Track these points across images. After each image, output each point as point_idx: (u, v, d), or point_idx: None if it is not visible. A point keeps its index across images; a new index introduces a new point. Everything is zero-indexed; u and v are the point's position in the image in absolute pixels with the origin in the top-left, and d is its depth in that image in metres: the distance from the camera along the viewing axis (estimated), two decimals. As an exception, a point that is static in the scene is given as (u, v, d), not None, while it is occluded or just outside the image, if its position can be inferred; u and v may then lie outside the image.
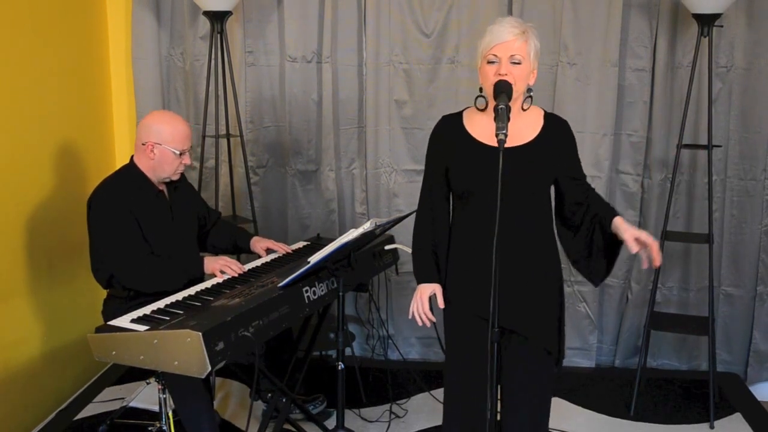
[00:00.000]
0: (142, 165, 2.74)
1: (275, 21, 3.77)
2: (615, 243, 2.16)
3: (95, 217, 2.67)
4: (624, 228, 2.08)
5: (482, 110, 2.24)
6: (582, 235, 2.24)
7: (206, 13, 3.47)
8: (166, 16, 3.82)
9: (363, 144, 3.84)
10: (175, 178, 2.79)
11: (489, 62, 2.13)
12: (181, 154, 2.72)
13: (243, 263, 2.91)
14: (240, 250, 3.11)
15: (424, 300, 2.28)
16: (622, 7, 3.51)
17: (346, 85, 3.79)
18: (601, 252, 2.21)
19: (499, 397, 2.25)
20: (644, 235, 2.03)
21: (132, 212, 2.65)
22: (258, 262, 2.92)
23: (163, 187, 2.82)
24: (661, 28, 3.54)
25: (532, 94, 2.21)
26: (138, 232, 2.66)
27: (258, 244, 3.06)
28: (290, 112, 3.81)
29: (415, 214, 2.43)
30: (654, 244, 2.02)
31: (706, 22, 3.21)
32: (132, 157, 2.79)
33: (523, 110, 2.21)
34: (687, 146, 3.45)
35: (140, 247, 2.65)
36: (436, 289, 2.30)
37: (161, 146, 2.69)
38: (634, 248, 2.04)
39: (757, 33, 3.50)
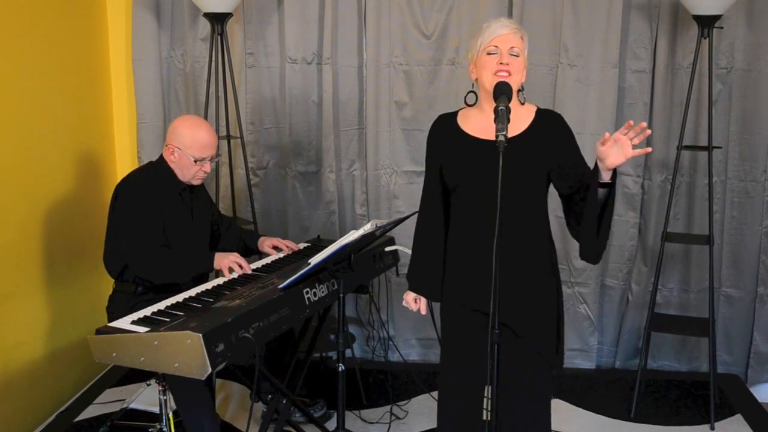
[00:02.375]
0: (169, 163, 2.80)
1: (275, 22, 3.78)
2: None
3: (121, 204, 2.72)
4: (599, 154, 2.02)
5: (471, 105, 2.27)
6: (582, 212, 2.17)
7: (206, 15, 3.47)
8: (167, 18, 3.82)
9: (363, 145, 3.84)
10: (196, 183, 2.84)
11: (489, 53, 2.16)
12: (197, 162, 2.75)
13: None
14: (250, 251, 3.13)
15: (410, 303, 2.49)
16: (622, 9, 3.51)
17: (347, 87, 3.80)
18: (587, 212, 2.12)
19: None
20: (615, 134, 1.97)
21: (156, 204, 2.70)
22: (259, 264, 2.92)
23: (186, 187, 2.86)
24: (662, 29, 3.54)
25: (522, 90, 2.23)
26: (159, 223, 2.70)
27: (265, 242, 3.09)
28: (290, 114, 3.81)
29: (414, 215, 2.45)
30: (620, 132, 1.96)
31: (707, 23, 3.21)
32: (161, 153, 2.84)
33: (521, 104, 2.23)
34: (687, 147, 3.45)
35: (158, 238, 2.69)
36: (420, 300, 2.46)
37: (181, 151, 2.74)
38: (608, 161, 1.98)
39: (757, 34, 3.50)
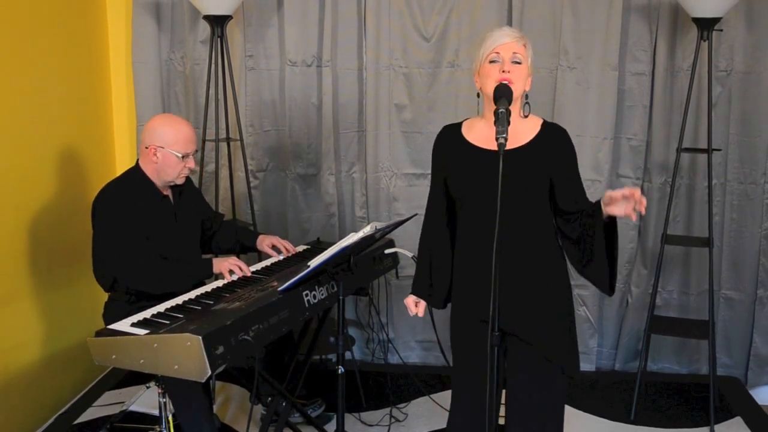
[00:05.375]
0: (147, 169, 2.74)
1: (275, 25, 3.78)
2: (609, 236, 2.14)
3: (100, 221, 2.67)
4: (605, 199, 2.05)
5: (483, 117, 2.26)
6: (578, 239, 2.23)
7: (206, 18, 3.47)
8: (167, 21, 3.83)
9: (363, 148, 3.84)
10: (180, 182, 2.78)
11: (491, 61, 2.15)
12: (184, 158, 2.71)
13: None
14: (246, 249, 3.11)
15: (410, 306, 2.50)
16: (621, 11, 3.52)
17: (346, 89, 3.80)
18: (596, 249, 2.16)
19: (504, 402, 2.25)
20: (623, 191, 1.99)
21: (136, 216, 2.65)
22: (259, 266, 2.92)
23: (168, 192, 2.81)
24: (661, 32, 3.55)
25: (528, 101, 2.22)
26: (143, 235, 2.66)
27: (263, 242, 3.06)
28: (290, 116, 3.82)
29: (414, 217, 2.45)
30: (634, 191, 1.97)
31: (706, 26, 3.21)
32: (137, 160, 2.79)
33: (525, 117, 2.22)
34: (687, 150, 3.45)
35: (146, 251, 2.65)
36: (419, 303, 2.48)
37: (164, 150, 2.68)
38: (611, 208, 2.01)
39: (756, 37, 3.50)
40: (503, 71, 2.12)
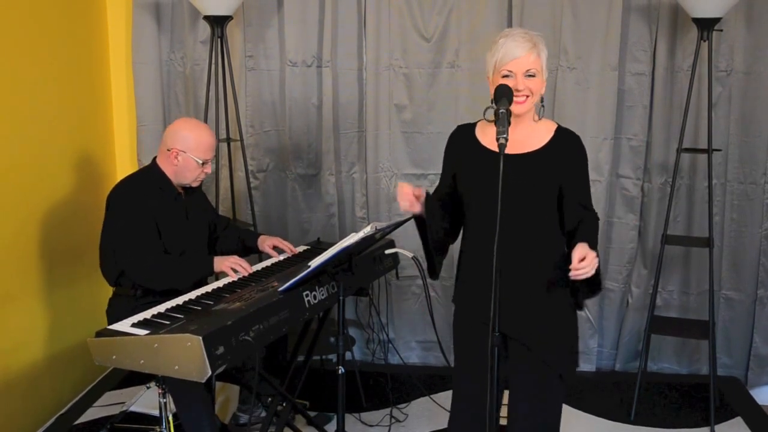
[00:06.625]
0: (166, 169, 2.79)
1: (275, 25, 3.78)
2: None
3: (114, 214, 2.71)
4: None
5: (491, 121, 2.26)
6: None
7: (206, 18, 3.47)
8: (167, 21, 3.83)
9: (363, 148, 3.84)
10: (195, 185, 2.85)
11: (504, 76, 2.15)
12: (203, 164, 2.77)
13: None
14: (249, 250, 3.13)
15: (404, 189, 2.21)
16: (621, 11, 3.52)
17: (347, 90, 3.80)
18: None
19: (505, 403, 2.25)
20: (578, 253, 2.01)
21: (150, 212, 2.69)
22: (259, 266, 2.92)
23: (181, 190, 2.86)
24: (661, 32, 3.55)
25: (544, 103, 2.23)
26: (155, 231, 2.70)
27: (265, 242, 3.07)
28: (290, 117, 3.82)
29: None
30: (576, 260, 2.00)
31: (706, 26, 3.21)
32: (155, 158, 2.83)
33: (535, 121, 2.23)
34: (687, 150, 3.45)
35: (155, 246, 2.69)
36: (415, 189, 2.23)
37: (185, 154, 2.74)
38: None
39: (756, 37, 3.50)
40: (517, 90, 2.12)
